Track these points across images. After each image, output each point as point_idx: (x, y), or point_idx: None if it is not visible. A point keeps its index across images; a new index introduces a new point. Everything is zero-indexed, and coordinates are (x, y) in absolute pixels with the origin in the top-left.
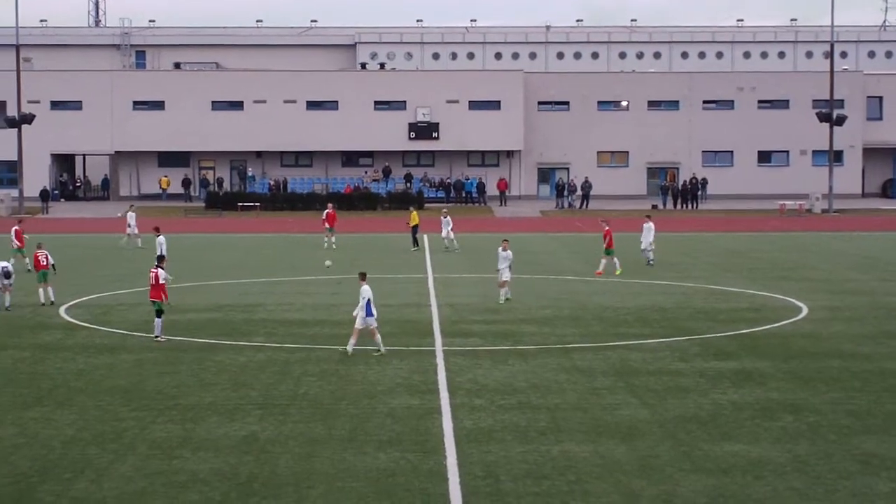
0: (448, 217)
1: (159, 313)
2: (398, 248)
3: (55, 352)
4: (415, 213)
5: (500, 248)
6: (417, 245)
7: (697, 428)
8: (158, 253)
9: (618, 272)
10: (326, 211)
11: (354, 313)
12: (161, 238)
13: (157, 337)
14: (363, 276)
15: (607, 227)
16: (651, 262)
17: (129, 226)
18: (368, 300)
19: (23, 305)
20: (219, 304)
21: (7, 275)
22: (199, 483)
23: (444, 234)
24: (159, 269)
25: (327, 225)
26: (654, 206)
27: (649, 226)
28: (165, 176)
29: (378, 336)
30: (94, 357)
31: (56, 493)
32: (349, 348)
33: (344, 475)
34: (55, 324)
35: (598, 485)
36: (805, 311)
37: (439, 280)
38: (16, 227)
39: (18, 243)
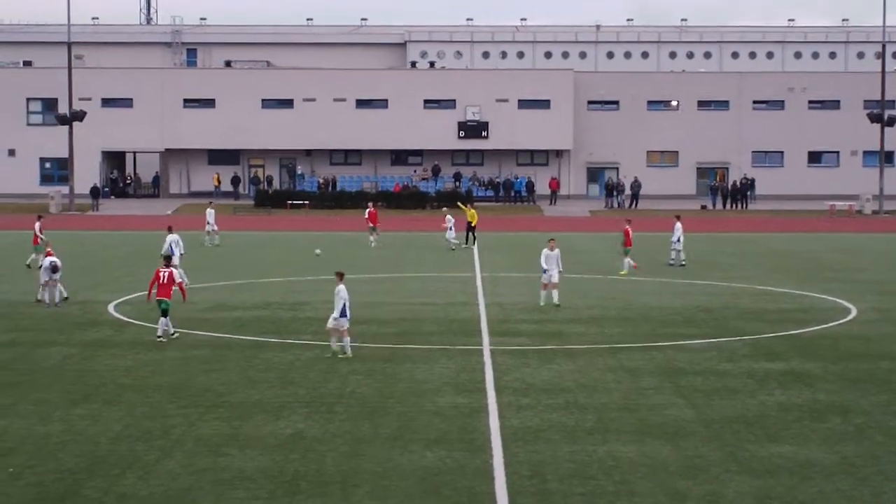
0: (450, 215)
1: (165, 312)
2: (446, 246)
3: (103, 348)
4: (472, 210)
5: (547, 248)
6: (472, 242)
7: (744, 429)
8: (165, 251)
9: (623, 273)
10: (368, 210)
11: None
12: (173, 236)
13: (159, 337)
14: (340, 276)
15: (627, 227)
16: (671, 263)
17: (209, 223)
18: (345, 302)
19: (72, 302)
20: (266, 302)
21: (55, 269)
22: (246, 481)
23: (450, 235)
24: (173, 269)
25: (370, 224)
26: (704, 207)
27: (678, 226)
28: (218, 173)
29: (347, 338)
30: (142, 354)
31: (103, 489)
32: (334, 346)
33: (390, 474)
34: (104, 320)
35: (644, 485)
36: (854, 312)
37: (487, 279)
38: (38, 224)
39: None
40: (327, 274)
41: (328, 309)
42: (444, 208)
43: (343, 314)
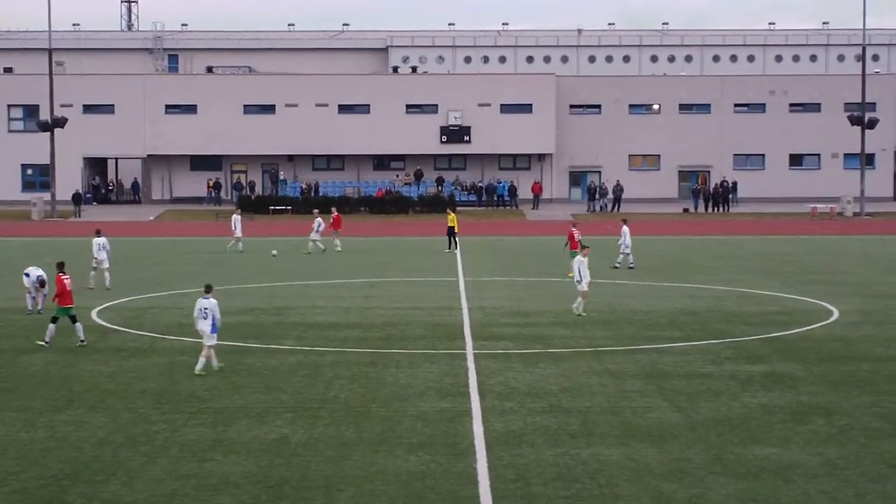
0: (320, 219)
1: (74, 319)
2: (429, 250)
3: (87, 355)
4: (452, 215)
5: (580, 255)
6: (454, 247)
7: (728, 431)
8: (95, 255)
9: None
10: (332, 215)
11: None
12: (101, 240)
13: (46, 342)
14: (208, 289)
15: (572, 229)
16: (617, 265)
17: (235, 229)
18: (196, 313)
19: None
20: (249, 308)
21: (42, 283)
22: (230, 486)
23: (312, 235)
24: (67, 275)
25: (334, 228)
26: (686, 210)
27: (624, 230)
28: (210, 179)
29: (211, 354)
30: (125, 360)
31: (87, 495)
32: (215, 364)
33: (374, 478)
34: (86, 327)
35: (629, 488)
36: (836, 314)
37: (470, 283)
38: None
39: None
40: (310, 279)
41: (312, 314)
42: (315, 210)
43: (200, 325)
